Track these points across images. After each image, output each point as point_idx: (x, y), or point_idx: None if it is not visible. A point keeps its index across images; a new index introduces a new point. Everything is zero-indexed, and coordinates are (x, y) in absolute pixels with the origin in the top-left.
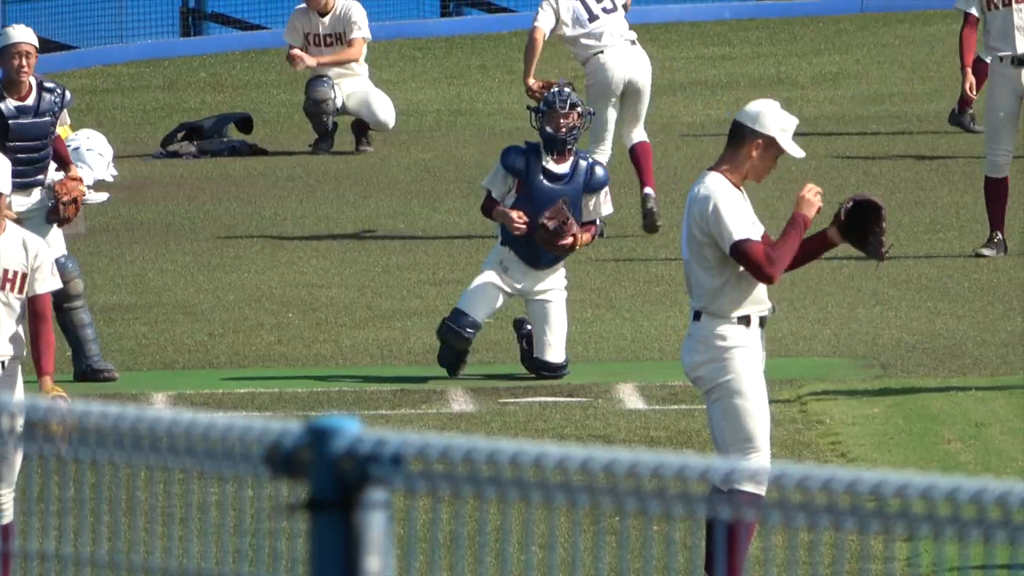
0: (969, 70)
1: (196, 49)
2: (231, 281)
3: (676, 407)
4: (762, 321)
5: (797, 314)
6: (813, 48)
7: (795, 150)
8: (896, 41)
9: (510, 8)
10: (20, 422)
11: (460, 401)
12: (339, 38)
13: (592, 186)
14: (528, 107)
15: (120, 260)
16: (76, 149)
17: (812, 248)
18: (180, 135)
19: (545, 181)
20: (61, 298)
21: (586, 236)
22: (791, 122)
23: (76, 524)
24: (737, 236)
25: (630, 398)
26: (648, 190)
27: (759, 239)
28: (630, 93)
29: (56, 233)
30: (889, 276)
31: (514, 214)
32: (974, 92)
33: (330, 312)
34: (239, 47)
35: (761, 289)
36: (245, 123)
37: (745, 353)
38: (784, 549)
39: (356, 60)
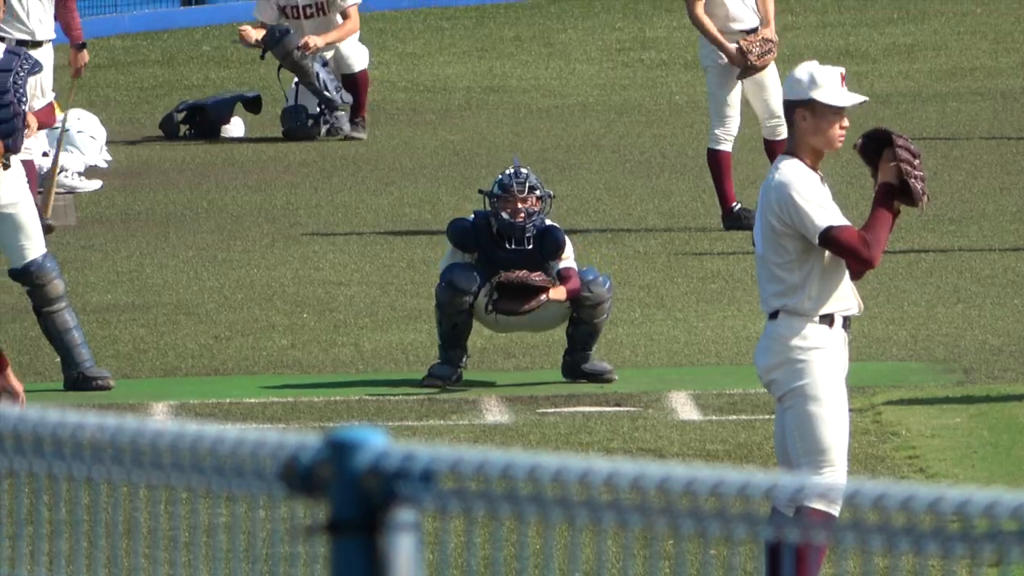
0: None
1: (198, 20)
2: (239, 278)
3: (735, 417)
4: (847, 322)
5: (870, 313)
6: (885, 17)
7: (838, 99)
8: (978, 9)
9: None
10: None
11: (494, 411)
12: (321, 8)
13: (548, 254)
14: (480, 190)
15: (115, 255)
16: (66, 131)
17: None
18: (180, 115)
19: (501, 252)
20: (41, 302)
21: (557, 293)
22: (829, 74)
23: (70, 549)
24: (825, 223)
25: (684, 408)
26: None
27: (848, 223)
28: None
29: (36, 227)
30: (972, 271)
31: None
32: None
33: (349, 312)
34: (246, 17)
35: (847, 285)
36: (254, 103)
37: (826, 356)
38: None
39: (356, 31)
